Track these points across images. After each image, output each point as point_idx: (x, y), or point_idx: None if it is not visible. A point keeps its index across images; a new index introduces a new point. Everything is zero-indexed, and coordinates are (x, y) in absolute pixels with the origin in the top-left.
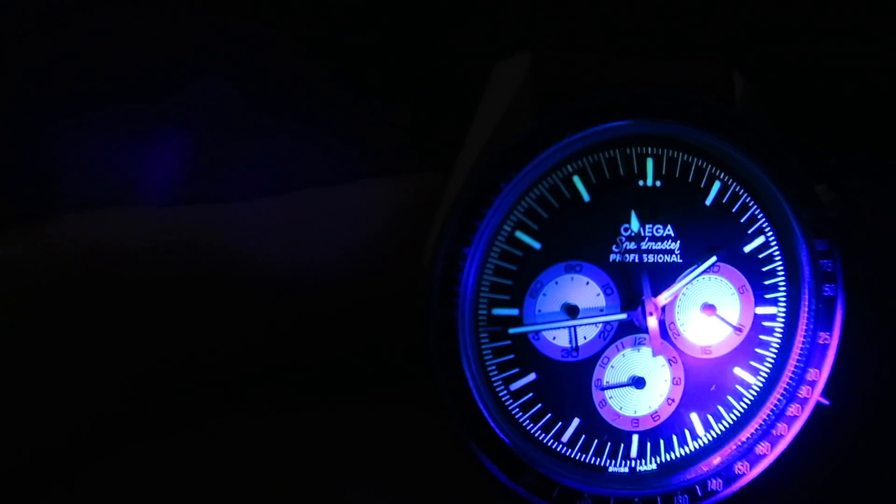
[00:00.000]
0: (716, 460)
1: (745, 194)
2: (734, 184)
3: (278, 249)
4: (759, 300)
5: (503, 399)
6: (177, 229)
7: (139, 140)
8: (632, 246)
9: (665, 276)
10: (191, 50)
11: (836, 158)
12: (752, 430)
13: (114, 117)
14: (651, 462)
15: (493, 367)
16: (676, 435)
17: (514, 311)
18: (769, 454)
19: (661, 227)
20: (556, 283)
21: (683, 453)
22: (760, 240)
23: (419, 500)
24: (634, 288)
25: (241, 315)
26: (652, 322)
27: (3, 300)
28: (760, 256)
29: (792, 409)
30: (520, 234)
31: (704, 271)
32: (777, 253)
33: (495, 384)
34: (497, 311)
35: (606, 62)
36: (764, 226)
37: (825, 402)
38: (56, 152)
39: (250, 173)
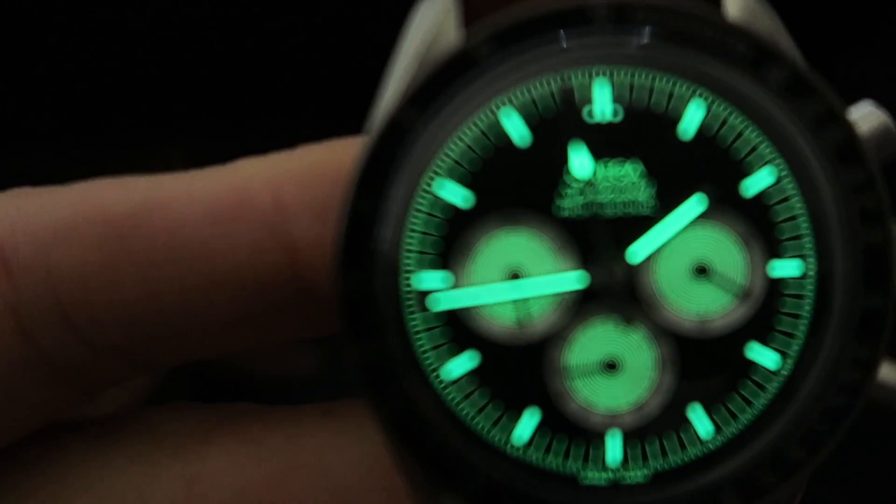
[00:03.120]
0: (731, 468)
1: (741, 118)
2: (722, 106)
3: (208, 225)
4: (775, 256)
5: (439, 391)
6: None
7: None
8: (586, 193)
9: (635, 229)
10: None
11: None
12: (782, 430)
13: None
14: (640, 470)
15: (424, 352)
16: (673, 435)
17: (443, 280)
18: (807, 461)
19: (623, 167)
20: (492, 242)
21: (684, 459)
22: (768, 177)
23: None
24: (593, 245)
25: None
26: (620, 286)
27: None
28: (772, 199)
29: (835, 401)
30: (444, 185)
31: (691, 220)
32: (794, 193)
33: (428, 373)
34: (420, 281)
35: None
36: (772, 158)
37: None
38: None
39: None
